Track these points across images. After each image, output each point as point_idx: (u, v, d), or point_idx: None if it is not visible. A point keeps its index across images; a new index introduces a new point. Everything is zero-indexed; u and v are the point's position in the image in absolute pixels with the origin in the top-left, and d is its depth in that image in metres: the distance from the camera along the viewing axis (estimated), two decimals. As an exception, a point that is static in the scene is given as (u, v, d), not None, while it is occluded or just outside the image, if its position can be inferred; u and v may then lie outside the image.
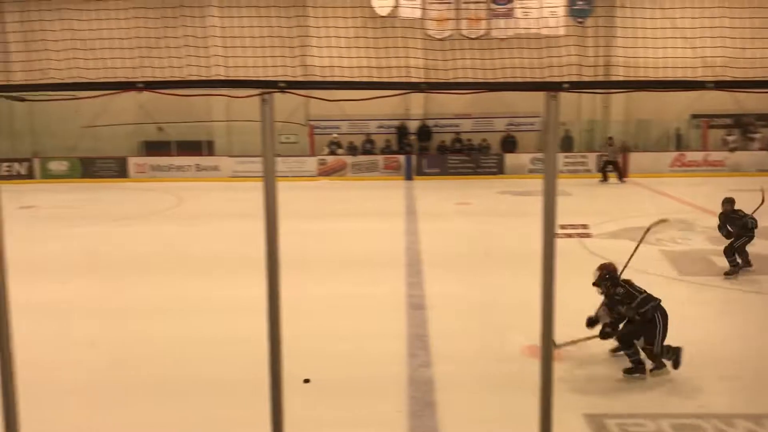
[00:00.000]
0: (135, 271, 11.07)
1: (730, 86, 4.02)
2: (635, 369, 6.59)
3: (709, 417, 5.81)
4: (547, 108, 3.51)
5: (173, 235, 14.56)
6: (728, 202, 10.19)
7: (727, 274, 10.05)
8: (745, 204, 10.24)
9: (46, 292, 9.51)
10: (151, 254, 12.48)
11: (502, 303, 8.86)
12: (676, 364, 6.60)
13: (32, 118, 24.64)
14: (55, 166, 24.58)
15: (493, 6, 22.53)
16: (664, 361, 6.59)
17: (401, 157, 24.04)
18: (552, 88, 3.41)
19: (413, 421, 5.89)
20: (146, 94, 3.57)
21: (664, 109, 24.04)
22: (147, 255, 12.42)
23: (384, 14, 22.29)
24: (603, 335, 6.85)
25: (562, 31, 21.32)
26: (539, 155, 23.24)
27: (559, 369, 5.33)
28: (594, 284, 6.90)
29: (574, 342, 6.91)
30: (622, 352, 6.88)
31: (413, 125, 25.16)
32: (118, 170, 24.39)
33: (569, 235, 12.72)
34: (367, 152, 24.62)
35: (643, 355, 6.62)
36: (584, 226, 13.52)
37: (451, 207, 17.51)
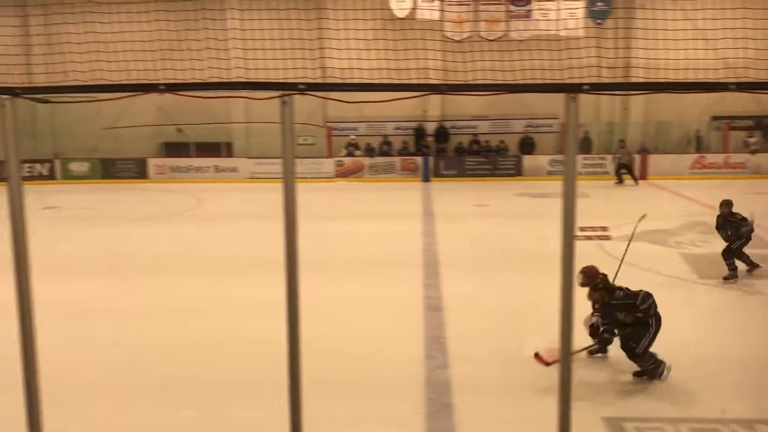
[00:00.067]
0: (154, 272, 11.16)
1: (752, 87, 3.99)
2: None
3: (728, 422, 5.75)
4: (567, 109, 3.50)
5: (192, 236, 14.67)
6: (726, 204, 10.08)
7: (726, 278, 9.92)
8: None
9: (69, 292, 9.61)
10: (170, 255, 12.58)
11: (520, 305, 8.83)
12: (653, 375, 6.49)
13: (53, 119, 24.95)
14: (76, 167, 24.87)
15: (512, 8, 22.47)
16: (643, 367, 6.49)
17: (418, 159, 24.04)
18: (571, 89, 3.40)
19: (430, 422, 5.88)
20: (166, 96, 3.60)
21: (683, 111, 23.83)
22: (166, 256, 12.52)
23: (402, 16, 22.31)
24: (603, 342, 6.75)
25: (581, 33, 21.22)
26: (557, 157, 23.17)
27: (577, 372, 5.31)
28: (590, 296, 6.80)
29: (577, 352, 6.72)
30: (600, 354, 6.90)
31: (431, 127, 25.15)
32: (138, 171, 24.62)
33: (589, 238, 12.65)
34: (384, 154, 24.64)
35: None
36: (604, 228, 13.43)
37: (468, 209, 17.48)
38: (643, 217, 8.28)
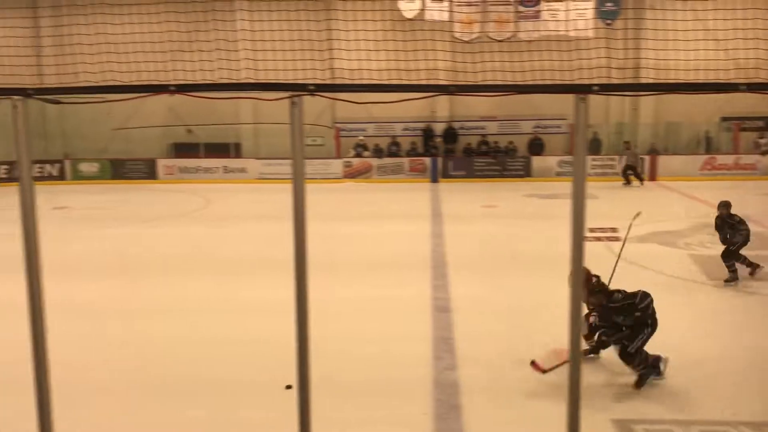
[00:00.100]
0: (164, 273, 11.21)
1: (762, 88, 3.96)
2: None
3: (738, 424, 5.72)
4: (576, 110, 3.49)
5: (201, 236, 14.72)
6: (724, 205, 10.02)
7: (727, 281, 9.85)
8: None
9: (79, 292, 9.66)
10: (179, 256, 12.63)
11: (529, 306, 8.81)
12: (640, 382, 6.39)
13: (64, 120, 25.09)
14: (85, 167, 25.01)
15: (521, 8, 22.42)
16: (634, 368, 6.40)
17: (427, 160, 24.04)
18: (581, 90, 3.39)
19: (438, 423, 5.88)
20: (176, 97, 3.62)
21: (693, 112, 23.73)
22: (175, 256, 12.57)
23: (411, 17, 22.30)
24: (600, 345, 6.67)
25: (590, 33, 21.15)
26: (566, 158, 23.11)
27: (586, 373, 5.29)
28: (587, 301, 6.74)
29: (563, 363, 6.47)
30: (592, 355, 6.86)
31: (439, 127, 25.14)
32: (148, 172, 24.73)
33: (598, 239, 12.60)
34: (392, 154, 24.65)
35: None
36: (613, 230, 13.35)
37: (477, 209, 17.46)
38: (638, 215, 8.22)
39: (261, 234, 13.83)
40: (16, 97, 3.69)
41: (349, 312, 8.72)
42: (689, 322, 8.52)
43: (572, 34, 20.99)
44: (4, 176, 23.34)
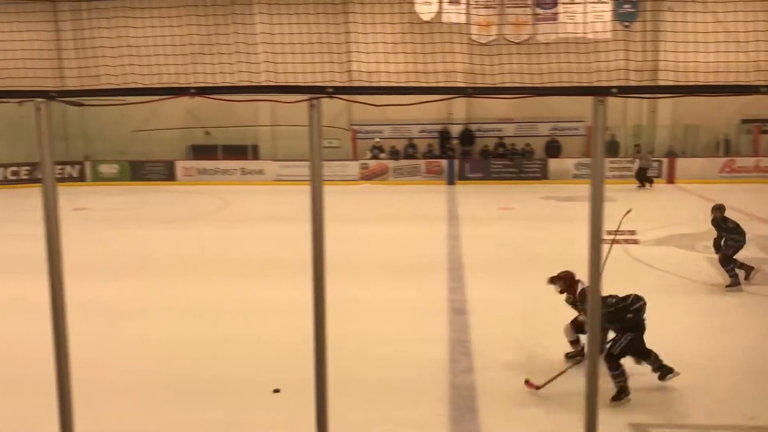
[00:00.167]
0: (182, 273, 11.30)
1: (785, 91, 3.93)
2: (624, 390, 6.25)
3: (755, 429, 5.67)
4: (595, 113, 3.48)
5: (218, 237, 14.81)
6: (718, 209, 9.94)
7: (729, 286, 9.76)
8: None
9: (99, 292, 9.77)
10: (197, 256, 12.72)
11: (545, 308, 8.75)
12: (619, 395, 6.18)
13: (84, 122, 25.36)
14: (105, 169, 25.26)
15: (538, 11, 22.35)
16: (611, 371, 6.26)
17: (443, 162, 24.01)
18: (600, 92, 3.39)
19: (455, 425, 5.88)
20: (195, 99, 3.66)
21: (712, 114, 23.50)
22: (193, 257, 12.66)
23: (428, 20, 22.30)
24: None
25: (608, 35, 21.02)
26: (584, 160, 22.99)
27: (603, 378, 5.27)
28: (579, 307, 6.68)
29: (558, 375, 6.47)
30: (577, 357, 6.83)
31: (456, 129, 25.11)
32: (166, 173, 24.93)
33: (616, 241, 12.53)
34: (409, 156, 24.66)
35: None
36: (632, 232, 13.31)
37: (493, 212, 17.42)
38: (629, 212, 8.13)
39: (278, 235, 13.89)
40: (39, 99, 3.75)
41: (365, 313, 8.74)
42: (702, 327, 8.46)
43: (590, 36, 20.86)
44: (25, 177, 23.64)
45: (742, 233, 9.76)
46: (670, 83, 18.98)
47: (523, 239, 13.68)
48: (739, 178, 22.55)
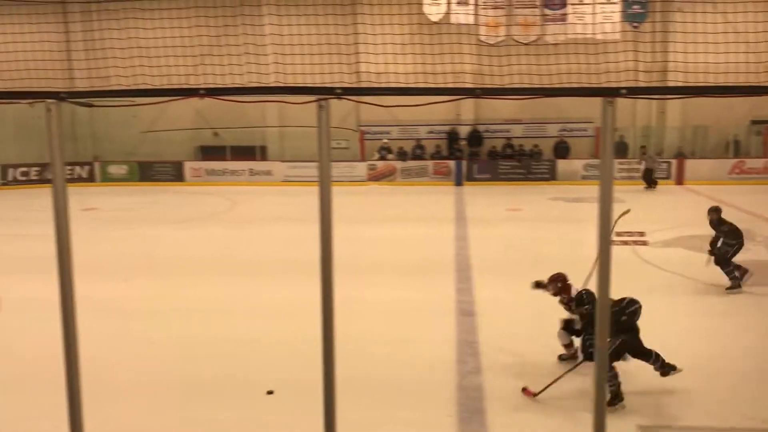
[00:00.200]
0: (190, 273, 11.34)
1: (795, 92, 3.91)
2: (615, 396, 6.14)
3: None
4: (604, 114, 3.48)
5: (226, 238, 14.85)
6: (714, 211, 9.90)
7: (730, 288, 9.70)
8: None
9: (107, 292, 9.81)
10: (205, 257, 12.76)
11: (553, 310, 8.73)
12: (612, 401, 6.07)
13: (93, 123, 25.47)
14: (114, 169, 25.37)
15: (547, 11, 22.30)
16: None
17: (451, 163, 23.99)
18: (609, 93, 3.38)
19: (462, 426, 5.88)
20: (204, 100, 3.66)
21: (722, 115, 23.37)
22: (201, 257, 12.71)
23: (436, 20, 22.28)
24: (589, 357, 6.46)
25: (617, 36, 20.96)
26: (592, 161, 22.92)
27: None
28: (577, 310, 6.60)
29: (555, 381, 6.42)
30: (565, 360, 6.88)
31: (464, 130, 25.08)
32: (175, 174, 25.01)
33: (625, 243, 12.51)
34: (417, 157, 24.65)
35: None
36: (641, 234, 13.27)
37: (501, 213, 17.40)
38: (627, 212, 8.03)
39: (285, 236, 13.92)
40: (50, 100, 3.77)
41: (373, 314, 8.75)
42: (712, 329, 8.42)
43: (599, 37, 20.80)
44: (35, 178, 23.77)
45: (737, 237, 9.70)
46: (680, 84, 18.90)
47: (531, 240, 13.66)
48: (748, 180, 22.41)
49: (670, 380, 6.43)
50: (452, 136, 25.04)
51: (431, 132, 25.25)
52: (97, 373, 5.41)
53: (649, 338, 6.37)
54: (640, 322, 6.33)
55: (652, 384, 6.51)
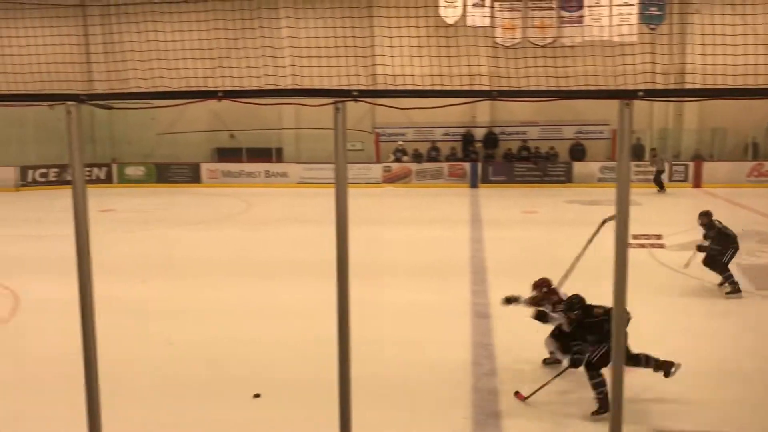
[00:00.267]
0: (206, 274, 11.41)
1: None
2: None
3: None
4: (621, 116, 3.47)
5: (242, 239, 14.93)
6: (704, 215, 9.81)
7: (729, 293, 9.59)
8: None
9: (124, 292, 9.89)
10: (221, 258, 12.84)
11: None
12: (600, 410, 5.98)
13: (111, 125, 25.71)
14: (132, 171, 25.59)
15: (563, 13, 22.22)
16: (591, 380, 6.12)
17: (466, 165, 23.95)
18: (626, 96, 3.38)
19: (477, 429, 5.87)
20: (221, 102, 3.69)
21: (740, 118, 23.14)
22: (218, 258, 12.78)
23: (452, 23, 22.27)
24: (574, 363, 6.33)
25: (635, 38, 20.82)
26: (608, 164, 22.78)
27: (627, 383, 5.21)
28: (569, 315, 6.52)
29: (541, 387, 6.39)
30: (551, 362, 6.89)
31: (479, 132, 25.04)
32: (192, 176, 25.18)
33: (642, 246, 12.43)
34: (432, 159, 24.63)
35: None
36: (658, 237, 13.18)
37: (517, 215, 17.34)
38: (611, 218, 7.92)
39: (301, 238, 13.96)
40: (70, 102, 3.82)
41: (388, 315, 8.75)
42: (729, 333, 8.34)
43: (616, 39, 20.67)
44: (54, 179, 24.03)
45: (723, 242, 9.60)
46: (698, 86, 18.71)
47: (546, 243, 13.59)
48: (767, 183, 22.18)
49: (694, 385, 6.38)
50: (467, 138, 25.00)
51: (446, 134, 25.23)
52: (116, 374, 5.46)
53: (667, 340, 6.34)
54: (631, 329, 6.24)
55: (665, 388, 6.47)
